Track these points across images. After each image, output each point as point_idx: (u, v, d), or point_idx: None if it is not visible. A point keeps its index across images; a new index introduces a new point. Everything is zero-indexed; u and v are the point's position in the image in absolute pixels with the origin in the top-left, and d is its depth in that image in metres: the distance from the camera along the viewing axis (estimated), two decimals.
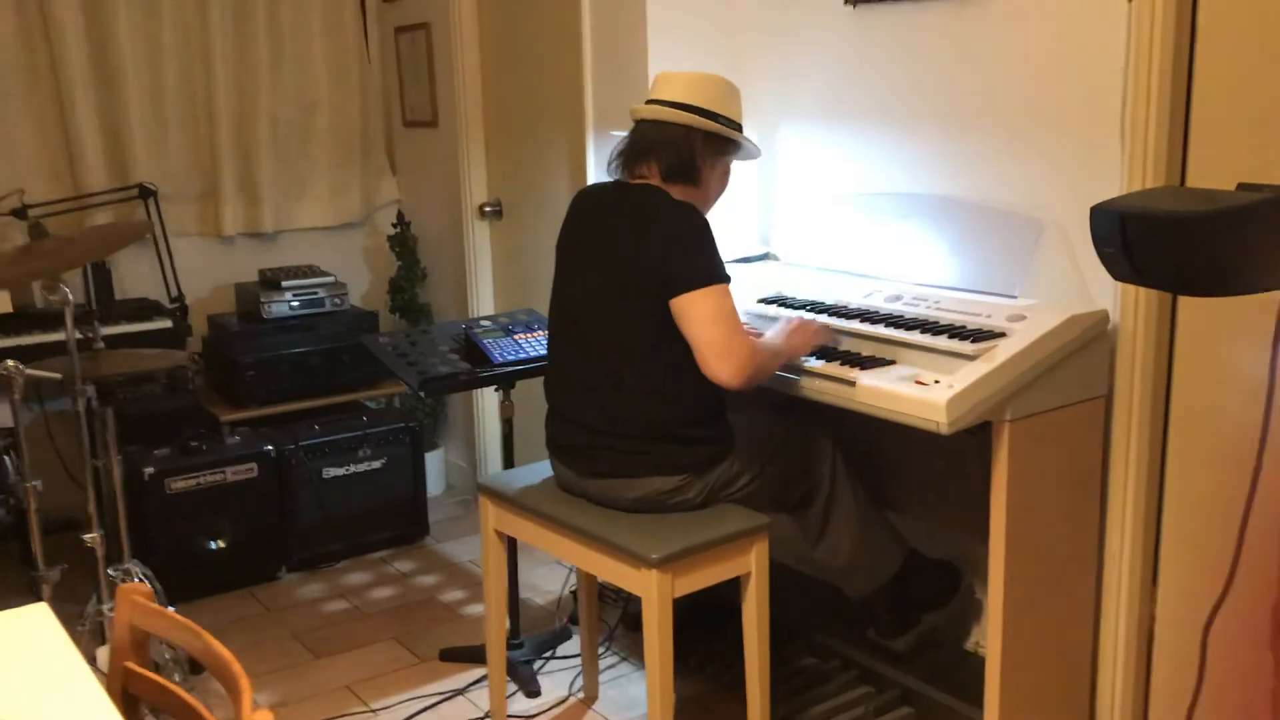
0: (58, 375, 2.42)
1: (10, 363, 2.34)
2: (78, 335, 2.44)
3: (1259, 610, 2.33)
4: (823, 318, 2.67)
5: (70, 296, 2.48)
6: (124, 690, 1.49)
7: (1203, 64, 2.36)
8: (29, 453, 2.62)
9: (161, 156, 4.08)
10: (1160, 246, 1.56)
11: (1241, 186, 1.58)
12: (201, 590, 3.55)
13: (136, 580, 2.83)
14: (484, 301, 4.22)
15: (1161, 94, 2.35)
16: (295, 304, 3.96)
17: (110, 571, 2.69)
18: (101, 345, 2.79)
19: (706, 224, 2.43)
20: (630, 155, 2.52)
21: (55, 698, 1.37)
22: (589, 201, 2.59)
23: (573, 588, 3.52)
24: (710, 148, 2.51)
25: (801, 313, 2.70)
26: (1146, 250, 1.58)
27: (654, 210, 2.43)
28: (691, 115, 2.47)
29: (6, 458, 2.69)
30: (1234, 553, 1.65)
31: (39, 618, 1.61)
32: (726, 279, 2.39)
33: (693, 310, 2.34)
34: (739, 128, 2.56)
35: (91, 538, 2.60)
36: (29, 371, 2.34)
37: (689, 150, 2.48)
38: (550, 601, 3.51)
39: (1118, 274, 1.66)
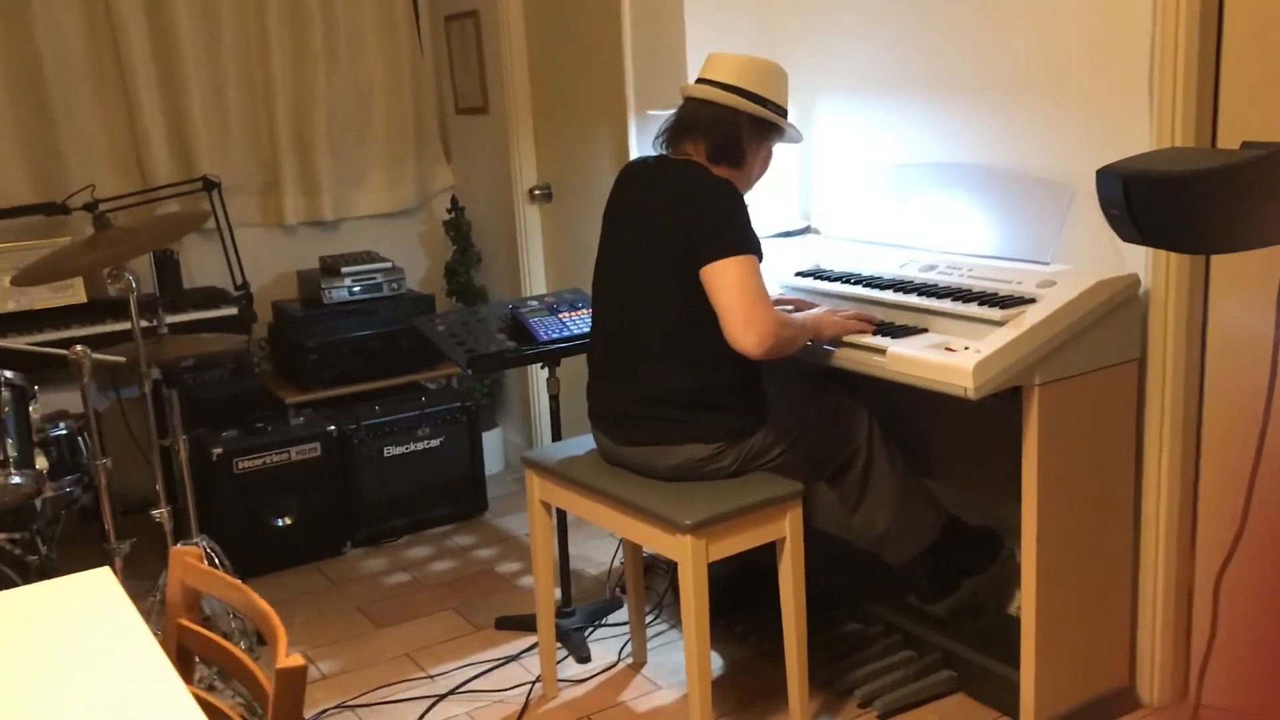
0: (122, 359, 2.56)
1: (78, 348, 2.48)
2: (143, 323, 2.57)
3: (1273, 561, 2.35)
4: (857, 289, 2.71)
5: (135, 284, 2.61)
6: (179, 645, 1.61)
7: (1231, 25, 2.36)
8: (103, 435, 2.76)
9: (224, 150, 4.23)
10: (1160, 206, 1.59)
11: (1245, 145, 1.60)
12: (269, 565, 3.70)
13: (206, 555, 2.98)
14: (536, 282, 4.32)
15: (1189, 56, 2.36)
16: (355, 289, 4.09)
17: (180, 546, 2.82)
18: (165, 331, 2.93)
19: (739, 197, 2.49)
20: (676, 132, 2.59)
21: (116, 651, 1.49)
22: (633, 175, 2.66)
23: (622, 559, 3.61)
24: (756, 131, 2.57)
25: (832, 285, 2.75)
26: (1148, 210, 1.61)
27: (690, 183, 2.50)
28: (740, 98, 2.53)
29: (80, 440, 2.85)
30: (1243, 507, 1.67)
31: (103, 580, 1.73)
32: (756, 251, 2.44)
33: (719, 278, 2.40)
34: (785, 111, 2.62)
35: (160, 513, 2.74)
36: (95, 356, 2.48)
37: (735, 132, 2.54)
38: (601, 572, 3.60)
39: (1124, 235, 1.69)
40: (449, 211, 4.56)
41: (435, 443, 4.00)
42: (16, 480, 2.53)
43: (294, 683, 1.28)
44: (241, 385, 3.98)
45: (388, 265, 4.18)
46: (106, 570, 1.75)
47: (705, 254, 2.40)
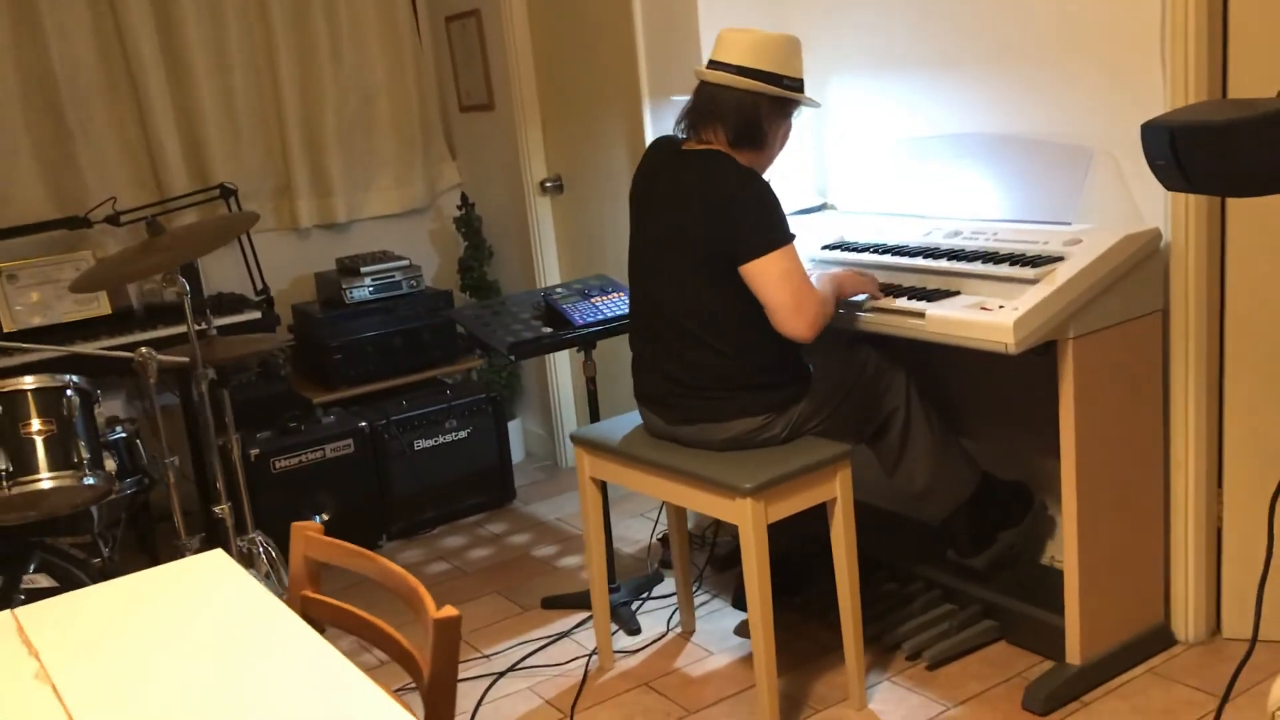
0: (185, 360, 2.63)
1: (143, 350, 2.54)
2: (197, 326, 2.64)
3: None
4: (885, 258, 2.82)
5: (188, 288, 2.68)
6: (305, 616, 1.69)
7: None
8: (155, 441, 2.82)
9: (237, 157, 4.29)
10: (1207, 154, 1.70)
11: None
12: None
13: (260, 550, 3.05)
14: (550, 274, 4.40)
15: (1199, 13, 2.47)
16: (374, 288, 4.16)
17: (239, 542, 2.90)
18: (214, 333, 3.00)
19: (769, 190, 2.55)
20: (696, 118, 2.63)
21: (259, 623, 1.57)
22: (659, 161, 2.70)
23: (659, 535, 3.71)
24: (776, 111, 2.61)
25: (859, 256, 2.86)
26: (1195, 159, 1.71)
27: (720, 181, 2.54)
28: (757, 82, 2.56)
29: (138, 443, 2.91)
30: None
31: (217, 561, 1.81)
32: (792, 238, 2.53)
33: (764, 275, 2.49)
34: (801, 83, 2.66)
35: (221, 509, 2.81)
36: (160, 357, 2.54)
37: (755, 116, 2.58)
38: (640, 550, 3.70)
39: (1170, 184, 1.80)
40: (459, 208, 4.64)
41: (463, 434, 4.08)
42: (90, 481, 2.59)
43: (451, 632, 1.37)
44: (269, 388, 4.04)
45: (405, 263, 4.25)
46: (220, 551, 1.83)
47: (745, 253, 2.48)
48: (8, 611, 1.69)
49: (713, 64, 2.63)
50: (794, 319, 2.48)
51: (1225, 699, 1.99)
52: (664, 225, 2.64)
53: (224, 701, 1.36)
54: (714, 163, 2.58)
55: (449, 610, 1.38)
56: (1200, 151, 1.71)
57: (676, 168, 2.65)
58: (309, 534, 1.69)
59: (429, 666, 1.38)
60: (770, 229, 2.50)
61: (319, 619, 1.67)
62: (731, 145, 2.60)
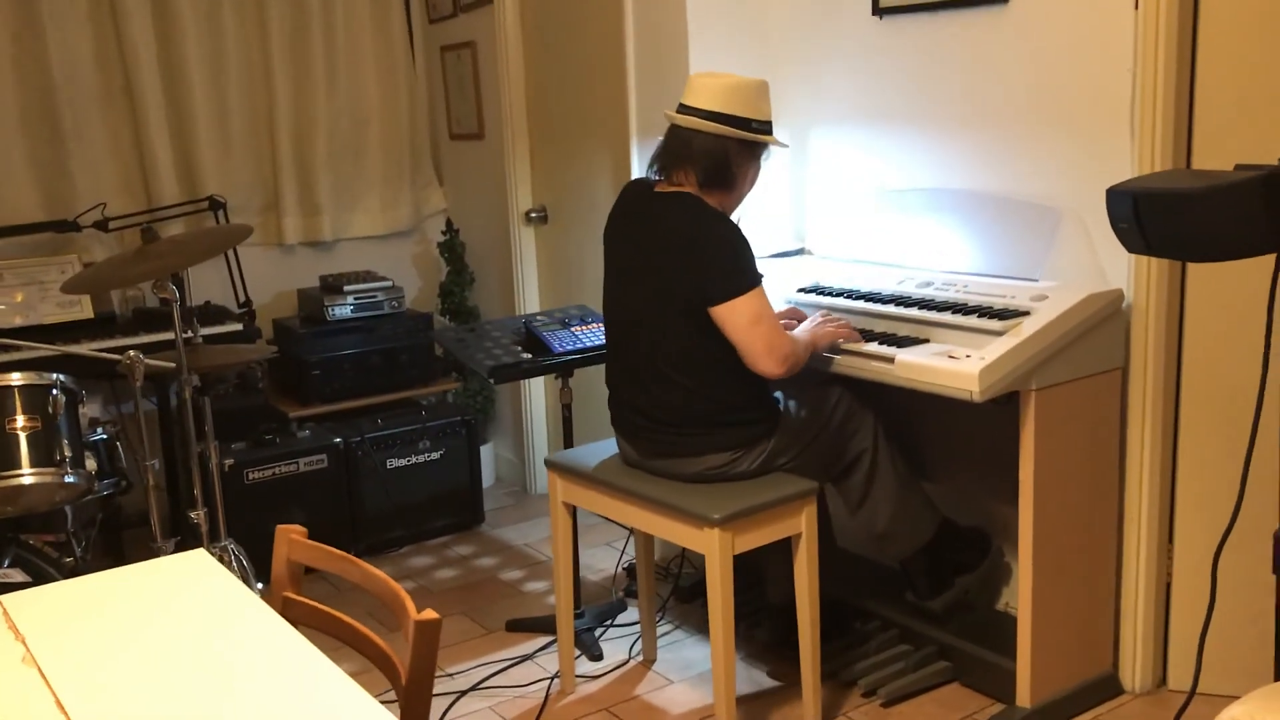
0: (172, 364, 2.68)
1: (131, 353, 2.59)
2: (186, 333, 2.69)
3: (1263, 539, 2.57)
4: (857, 304, 2.91)
5: (178, 295, 2.73)
6: (284, 615, 1.74)
7: (1204, 60, 2.60)
8: (136, 444, 2.86)
9: (227, 171, 4.35)
10: (1167, 220, 1.80)
11: (1238, 167, 1.82)
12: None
13: (232, 558, 3.09)
14: (530, 302, 4.48)
15: (1167, 89, 2.59)
16: (355, 307, 4.22)
17: (211, 548, 2.94)
18: (200, 340, 3.04)
19: (738, 233, 2.64)
20: (667, 160, 2.72)
21: (239, 618, 1.62)
22: (632, 203, 2.80)
23: (625, 565, 3.77)
24: (745, 154, 2.70)
25: (833, 300, 2.95)
26: (1155, 224, 1.82)
27: (690, 227, 2.62)
28: (726, 127, 2.64)
29: (118, 445, 2.95)
30: (1239, 487, 1.88)
31: (199, 561, 1.86)
32: (760, 280, 2.62)
33: (734, 317, 2.58)
34: (769, 125, 2.74)
35: (196, 515, 2.85)
36: (148, 361, 2.59)
37: (725, 159, 2.67)
38: (605, 578, 3.75)
39: (1131, 247, 1.90)
40: (444, 233, 4.71)
41: (435, 455, 4.13)
42: (71, 479, 2.63)
43: (430, 634, 1.43)
44: (246, 400, 4.08)
45: (388, 284, 4.31)
46: (202, 551, 1.88)
47: (716, 295, 2.56)
48: None
49: (683, 108, 2.71)
50: (766, 359, 2.57)
51: None
52: (635, 266, 2.72)
53: (205, 686, 1.41)
54: (684, 206, 2.66)
55: (429, 613, 1.44)
56: (1160, 217, 1.81)
57: (648, 210, 2.73)
58: (293, 537, 1.74)
59: (407, 667, 1.44)
60: (740, 273, 2.59)
61: (298, 619, 1.72)
62: (701, 187, 2.68)
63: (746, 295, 2.58)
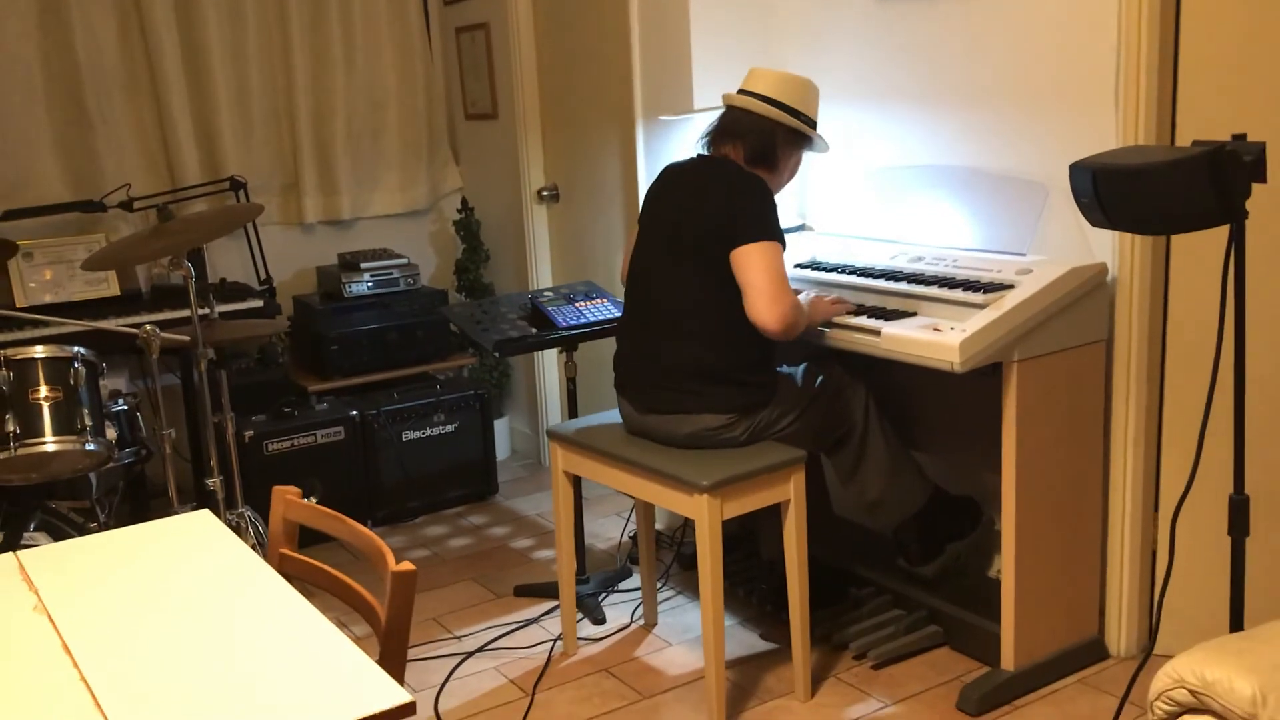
0: (186, 339, 2.80)
1: (148, 327, 2.72)
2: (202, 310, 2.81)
3: (1219, 502, 2.64)
4: (851, 278, 2.99)
5: (193, 272, 2.85)
6: (280, 570, 1.85)
7: (1187, 38, 2.65)
8: (154, 414, 2.99)
9: (248, 152, 4.47)
10: (1123, 194, 1.87)
11: (1195, 143, 1.89)
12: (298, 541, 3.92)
13: (248, 524, 3.22)
14: (543, 278, 4.58)
15: (1150, 65, 2.65)
16: (373, 284, 4.33)
17: (228, 515, 3.07)
18: (216, 316, 3.17)
19: (770, 193, 2.79)
20: (718, 134, 2.89)
21: (238, 573, 1.74)
22: (672, 173, 2.94)
23: (630, 534, 3.87)
24: (789, 141, 2.88)
25: (829, 275, 3.03)
26: (1113, 198, 1.89)
27: (726, 176, 2.79)
28: (779, 111, 2.84)
29: (138, 415, 3.08)
30: (1194, 453, 1.95)
31: (205, 520, 1.97)
32: (783, 241, 2.73)
33: (750, 260, 2.68)
34: (815, 123, 2.92)
35: (213, 482, 2.98)
36: (164, 335, 2.72)
37: (771, 140, 2.84)
38: (611, 547, 3.86)
39: (1093, 220, 1.97)
40: (459, 212, 4.82)
41: (450, 428, 4.25)
42: (91, 447, 2.76)
43: (407, 584, 1.53)
44: (266, 374, 4.22)
45: (404, 261, 4.43)
46: (207, 511, 2.00)
47: (740, 237, 2.68)
48: (10, 553, 1.85)
49: (741, 92, 2.89)
50: (768, 307, 2.65)
51: (1124, 701, 2.15)
52: (672, 222, 2.84)
53: (202, 631, 1.53)
54: (727, 164, 2.83)
55: (406, 565, 1.54)
56: (1117, 192, 1.88)
57: (690, 170, 2.88)
58: (288, 498, 1.85)
59: (385, 614, 1.55)
60: (767, 223, 2.72)
61: (292, 574, 1.83)
62: (746, 161, 2.85)
63: (767, 244, 2.69)
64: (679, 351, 2.78)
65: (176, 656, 1.48)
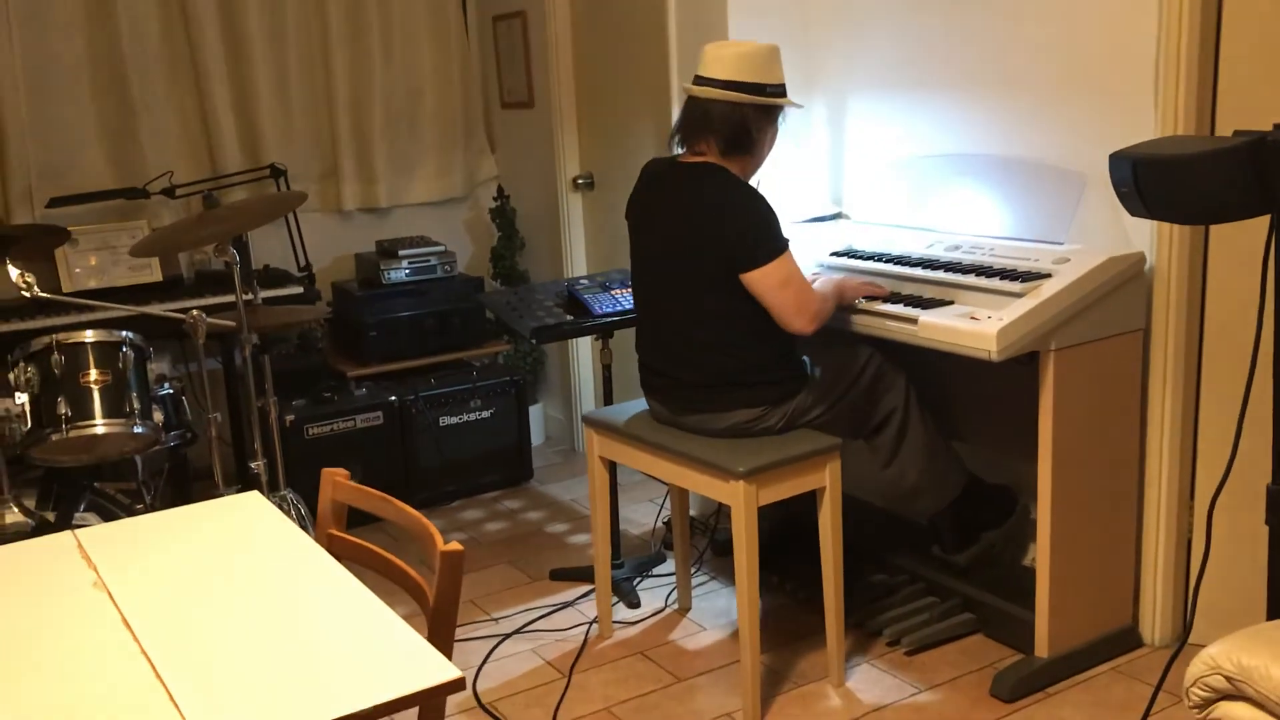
0: (232, 324, 2.85)
1: (194, 312, 2.77)
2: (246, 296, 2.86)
3: (1256, 491, 2.64)
4: (887, 266, 3.00)
5: (237, 258, 2.90)
6: (329, 550, 1.89)
7: (1229, 26, 2.64)
8: (199, 398, 3.04)
9: (288, 140, 4.52)
10: (1163, 184, 1.88)
11: (1236, 133, 1.89)
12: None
13: (290, 506, 3.27)
14: (578, 265, 4.61)
15: (1190, 53, 2.64)
16: (410, 271, 4.38)
17: (271, 498, 3.12)
18: (260, 302, 3.22)
19: (764, 201, 2.74)
20: (688, 132, 2.82)
21: (289, 551, 1.78)
22: (655, 176, 2.91)
23: (664, 519, 3.91)
24: (761, 118, 2.80)
25: (865, 264, 3.04)
26: (1153, 188, 1.90)
27: (717, 197, 2.73)
28: (743, 95, 2.74)
29: (183, 399, 3.14)
30: (1232, 442, 1.96)
31: (255, 501, 2.02)
32: (787, 245, 2.73)
33: (766, 281, 2.69)
34: (783, 88, 2.82)
35: (257, 465, 3.04)
36: (210, 320, 2.77)
37: (744, 125, 2.77)
38: (645, 532, 3.89)
39: (1132, 210, 1.98)
40: (495, 199, 4.86)
41: (486, 414, 4.29)
42: (139, 430, 2.82)
43: (455, 564, 1.57)
44: (306, 360, 4.27)
45: (441, 249, 4.47)
46: (256, 494, 2.05)
47: (747, 263, 2.68)
48: (68, 531, 1.91)
49: (699, 80, 2.81)
50: (798, 318, 2.70)
51: (1158, 688, 2.16)
52: (665, 237, 2.83)
53: (256, 607, 1.57)
54: (709, 177, 2.77)
55: (454, 545, 1.58)
56: (1157, 181, 1.89)
57: (673, 181, 2.84)
58: (336, 479, 1.89)
59: (434, 593, 1.59)
60: (769, 239, 2.71)
61: (341, 554, 1.87)
62: (723, 154, 2.79)
63: (776, 261, 2.69)
64: (694, 361, 2.80)
65: (232, 631, 1.52)
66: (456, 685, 1.38)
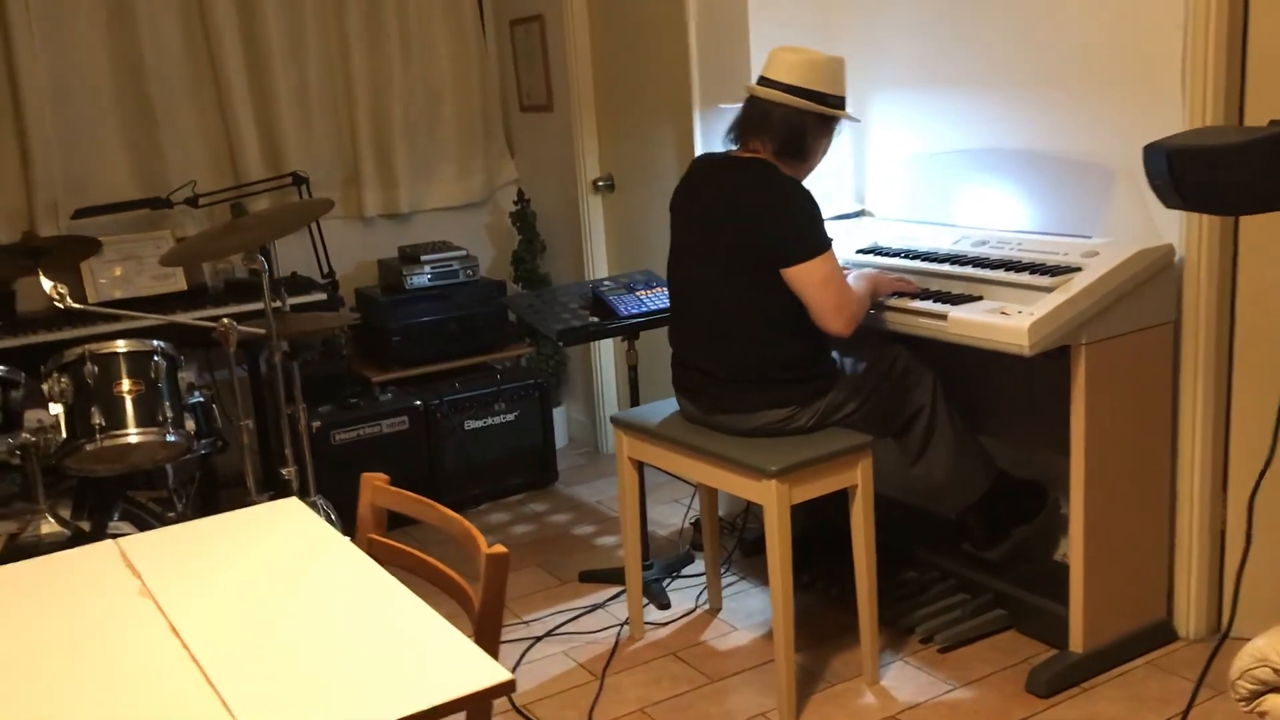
0: (263, 331, 2.87)
1: (226, 320, 2.78)
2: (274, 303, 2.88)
3: None
4: (914, 263, 2.99)
5: (267, 266, 2.92)
6: (369, 554, 1.90)
7: (1257, 17, 2.63)
8: (228, 405, 3.06)
9: (309, 147, 4.54)
10: (1200, 175, 1.87)
11: (1272, 122, 1.88)
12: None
13: (320, 513, 3.28)
14: (599, 267, 4.61)
15: (1218, 46, 2.63)
16: (432, 276, 4.39)
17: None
18: (288, 309, 3.23)
19: (811, 199, 2.75)
20: (745, 129, 2.84)
21: (330, 555, 1.79)
22: (704, 170, 2.92)
23: (691, 520, 3.91)
24: (820, 127, 2.83)
25: (891, 260, 3.04)
26: (1189, 179, 1.89)
27: (765, 189, 2.75)
28: (804, 100, 2.77)
29: (214, 408, 3.15)
30: (1272, 431, 1.95)
31: (294, 507, 2.03)
32: (830, 244, 2.73)
33: (806, 278, 2.70)
34: (843, 100, 2.86)
35: (288, 471, 3.05)
36: (241, 328, 2.78)
37: (801, 131, 2.79)
38: (673, 533, 3.89)
39: (1168, 202, 1.97)
40: (515, 203, 4.86)
41: (511, 417, 4.30)
42: (172, 438, 2.84)
43: (500, 566, 1.57)
44: (331, 366, 4.29)
45: (463, 253, 4.48)
46: (294, 499, 2.05)
47: (789, 258, 2.69)
48: (110, 540, 1.92)
49: (764, 80, 2.83)
50: (835, 318, 2.70)
51: (1200, 680, 2.15)
52: (708, 229, 2.83)
53: (303, 612, 1.58)
54: (759, 172, 2.78)
55: (499, 548, 1.58)
56: (1193, 172, 1.88)
57: (723, 174, 2.85)
58: (376, 484, 1.90)
59: (480, 596, 1.59)
60: (813, 236, 2.71)
61: (381, 558, 1.88)
62: (776, 155, 2.80)
63: (819, 259, 2.70)
64: (730, 356, 2.80)
65: (281, 635, 1.53)
66: (508, 687, 1.39)
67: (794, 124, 2.78)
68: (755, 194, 2.75)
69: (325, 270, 4.37)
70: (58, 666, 1.50)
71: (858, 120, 2.94)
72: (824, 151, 2.91)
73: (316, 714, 1.33)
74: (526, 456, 4.36)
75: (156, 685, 1.43)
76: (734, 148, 2.88)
